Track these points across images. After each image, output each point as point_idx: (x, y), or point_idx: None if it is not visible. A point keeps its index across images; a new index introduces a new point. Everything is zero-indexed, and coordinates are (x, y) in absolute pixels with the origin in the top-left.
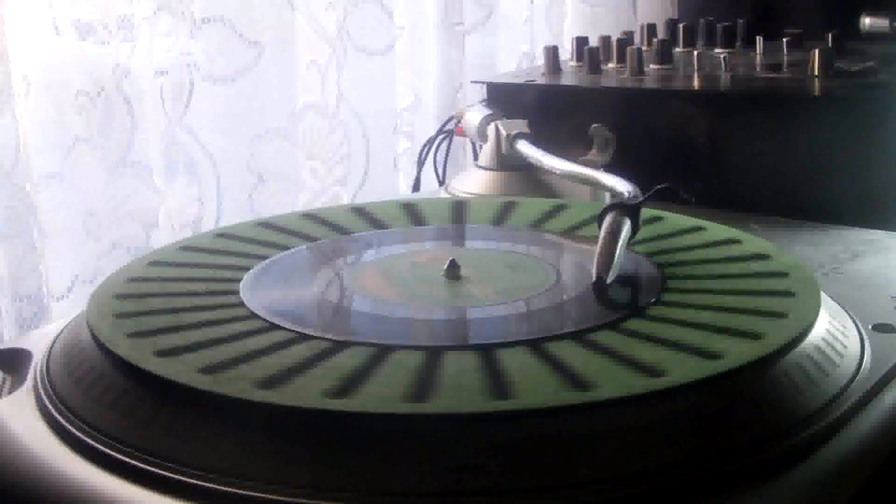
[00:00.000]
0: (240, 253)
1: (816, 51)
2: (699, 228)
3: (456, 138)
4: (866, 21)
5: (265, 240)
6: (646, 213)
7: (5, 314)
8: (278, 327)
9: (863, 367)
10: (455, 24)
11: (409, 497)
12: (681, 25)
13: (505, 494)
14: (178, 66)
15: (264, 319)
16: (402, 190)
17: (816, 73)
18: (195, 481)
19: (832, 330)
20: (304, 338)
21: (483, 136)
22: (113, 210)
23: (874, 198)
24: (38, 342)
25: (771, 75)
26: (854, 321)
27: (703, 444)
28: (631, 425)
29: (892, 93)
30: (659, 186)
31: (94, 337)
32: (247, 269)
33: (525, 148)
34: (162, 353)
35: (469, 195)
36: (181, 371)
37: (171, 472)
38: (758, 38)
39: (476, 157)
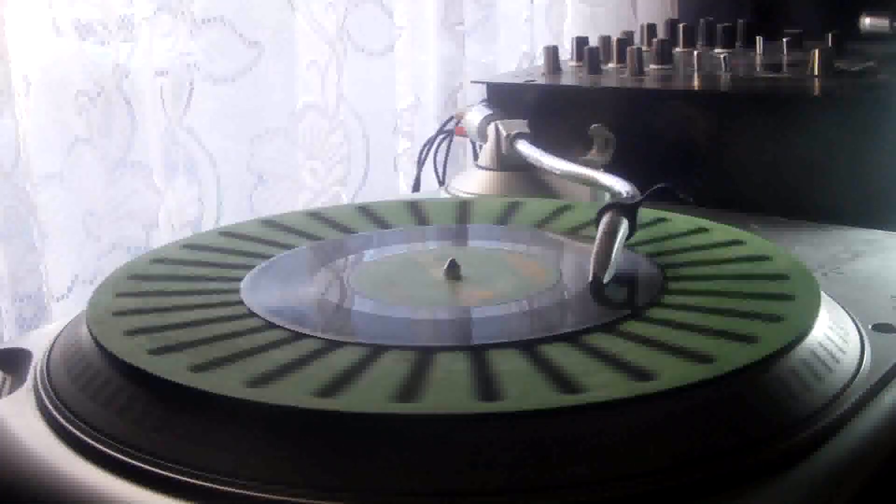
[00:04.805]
0: (244, 252)
1: (816, 51)
2: (703, 230)
3: (456, 138)
4: (866, 21)
5: (270, 239)
6: (649, 213)
7: (5, 314)
8: (275, 326)
9: (863, 367)
10: (455, 24)
11: (397, 497)
12: (681, 25)
13: (486, 495)
14: (178, 66)
15: (262, 318)
16: (403, 190)
17: (816, 73)
18: (195, 481)
19: (832, 330)
20: (298, 337)
21: (483, 136)
22: (113, 210)
23: (874, 198)
24: (38, 342)
25: (771, 75)
26: (854, 321)
27: (702, 445)
28: (618, 428)
29: (892, 93)
30: (657, 186)
31: (94, 337)
32: (251, 267)
33: (525, 148)
34: (155, 352)
35: (469, 195)
36: (172, 368)
37: (171, 472)
38: (758, 38)
39: (476, 157)
